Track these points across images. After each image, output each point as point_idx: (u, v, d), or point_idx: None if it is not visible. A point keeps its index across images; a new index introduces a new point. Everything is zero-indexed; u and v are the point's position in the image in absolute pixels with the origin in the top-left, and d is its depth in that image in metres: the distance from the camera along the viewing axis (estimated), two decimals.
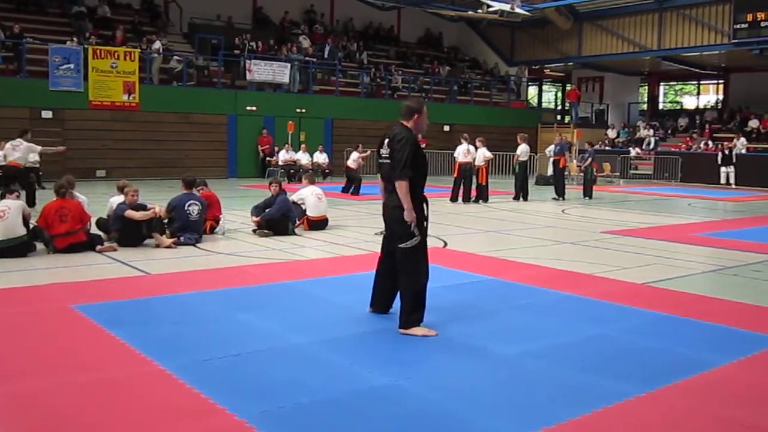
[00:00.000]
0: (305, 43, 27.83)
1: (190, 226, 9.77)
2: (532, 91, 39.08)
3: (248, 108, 24.10)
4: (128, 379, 4.34)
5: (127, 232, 9.35)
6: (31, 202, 12.75)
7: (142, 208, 9.53)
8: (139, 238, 9.43)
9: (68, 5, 24.12)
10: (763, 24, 24.64)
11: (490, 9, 28.01)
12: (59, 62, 20.58)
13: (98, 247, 9.00)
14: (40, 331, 5.34)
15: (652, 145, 28.92)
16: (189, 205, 9.80)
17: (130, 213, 9.30)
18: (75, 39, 21.68)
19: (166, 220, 9.83)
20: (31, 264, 8.17)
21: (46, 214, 8.88)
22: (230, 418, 3.77)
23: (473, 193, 16.93)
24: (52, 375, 4.39)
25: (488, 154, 17.16)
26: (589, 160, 19.17)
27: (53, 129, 20.35)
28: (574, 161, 23.49)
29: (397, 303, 5.73)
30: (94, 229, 9.57)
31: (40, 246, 8.89)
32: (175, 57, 23.72)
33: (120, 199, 9.61)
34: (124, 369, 4.53)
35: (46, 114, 20.52)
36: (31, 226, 8.90)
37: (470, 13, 29.44)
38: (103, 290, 6.77)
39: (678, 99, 39.46)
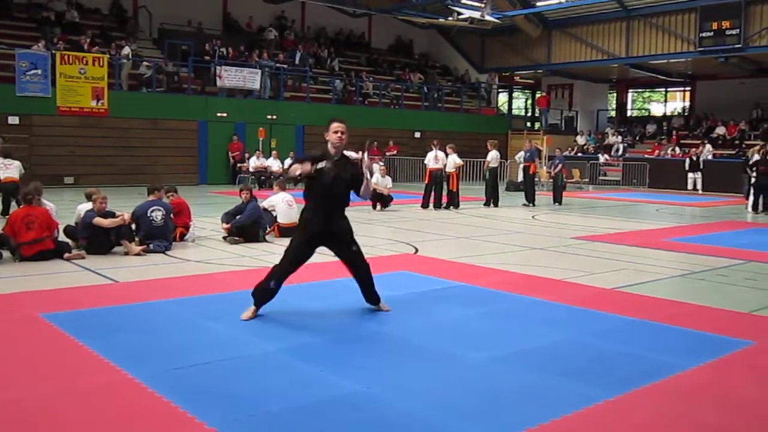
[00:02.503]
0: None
1: (155, 233, 9.67)
2: (503, 97, 39.36)
3: (219, 114, 23.99)
4: (97, 388, 4.29)
5: (96, 239, 9.25)
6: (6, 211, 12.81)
7: (111, 215, 9.43)
8: (108, 245, 9.33)
9: (35, 10, 23.84)
10: (727, 32, 25.14)
11: (461, 16, 28.21)
12: (26, 67, 20.33)
13: (66, 255, 8.89)
14: (6, 341, 5.26)
15: (620, 152, 29.27)
16: (152, 211, 9.71)
17: (98, 220, 9.20)
18: (42, 44, 21.42)
19: (134, 228, 9.75)
20: None
21: (12, 221, 8.76)
22: (200, 427, 3.75)
23: (444, 200, 17.00)
24: (20, 385, 4.32)
25: (459, 161, 17.24)
26: (559, 166, 19.33)
27: (20, 135, 20.06)
28: (544, 167, 23.68)
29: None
30: (62, 237, 9.46)
31: (6, 254, 8.76)
32: (145, 63, 23.54)
33: (88, 206, 9.51)
34: (93, 378, 4.47)
35: (13, 120, 20.25)
36: None
37: (441, 20, 29.62)
38: (71, 299, 6.68)
39: (646, 106, 39.99)
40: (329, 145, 6.12)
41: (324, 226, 6.12)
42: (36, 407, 4.00)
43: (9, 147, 15.33)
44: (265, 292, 6.07)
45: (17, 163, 14.04)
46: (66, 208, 11.95)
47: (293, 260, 6.14)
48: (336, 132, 6.03)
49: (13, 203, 12.48)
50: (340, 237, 6.25)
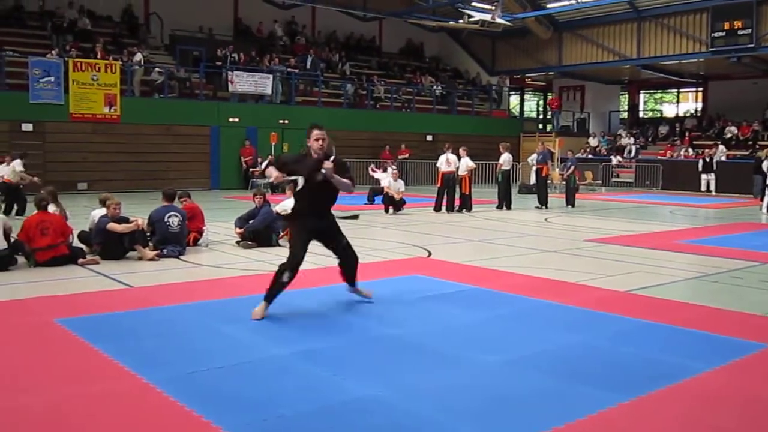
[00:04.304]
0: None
1: (170, 238, 9.72)
2: (514, 100, 39.29)
3: (230, 119, 24.06)
4: (112, 393, 4.31)
5: (110, 245, 9.30)
6: (21, 212, 13.94)
7: (125, 220, 9.49)
8: (122, 251, 9.38)
9: (48, 18, 24.01)
10: (739, 32, 24.98)
11: (471, 19, 28.18)
12: (39, 75, 20.46)
13: (80, 261, 8.94)
14: (22, 346, 5.30)
15: (633, 153, 29.14)
16: (168, 217, 9.76)
17: (112, 226, 9.25)
18: (55, 51, 21.57)
19: (149, 233, 9.79)
20: (12, 278, 8.11)
21: (27, 227, 8.82)
22: (215, 431, 3.76)
23: (457, 203, 16.98)
24: (35, 390, 4.35)
25: (471, 164, 17.22)
26: (572, 168, 19.27)
27: (34, 142, 20.22)
28: (557, 170, 23.62)
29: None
30: (76, 243, 9.52)
31: (21, 260, 8.83)
32: (157, 69, 23.64)
33: (102, 212, 9.56)
34: (107, 383, 4.50)
35: (27, 127, 20.39)
36: (12, 239, 8.84)
37: (451, 23, 29.61)
38: (85, 304, 6.73)
39: (658, 107, 39.81)
40: (311, 151, 6.43)
41: (318, 223, 6.53)
42: (50, 411, 4.02)
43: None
44: (280, 286, 6.30)
45: (15, 162, 14.90)
46: (80, 214, 12.01)
47: (300, 253, 6.40)
48: (317, 140, 6.37)
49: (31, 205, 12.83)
50: (331, 231, 6.71)
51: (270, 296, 6.27)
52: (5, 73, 20.65)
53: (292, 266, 6.28)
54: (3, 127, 19.93)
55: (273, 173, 6.43)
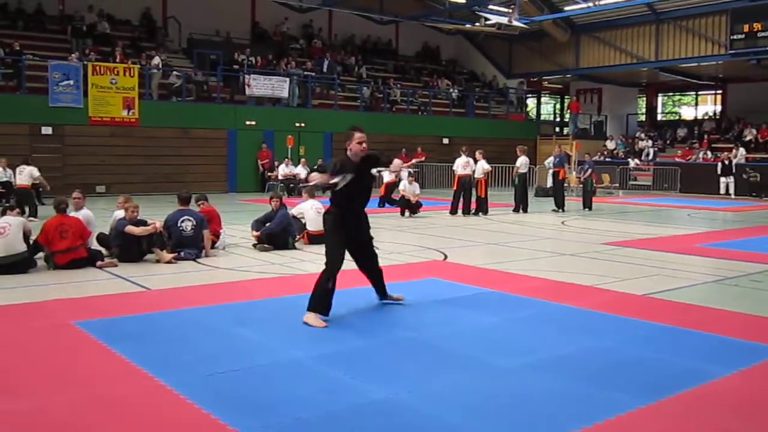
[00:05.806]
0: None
1: (184, 242, 9.77)
2: (531, 103, 39.18)
3: (247, 122, 24.17)
4: (129, 395, 4.34)
5: (128, 247, 9.36)
6: (33, 213, 14.03)
7: (143, 223, 9.54)
8: (140, 253, 9.44)
9: (68, 22, 24.23)
10: (759, 34, 24.77)
11: (488, 22, 28.15)
12: (59, 78, 20.66)
13: (99, 263, 9.00)
14: (40, 348, 5.34)
15: (650, 156, 28.99)
16: (182, 221, 9.81)
17: (130, 228, 9.31)
18: (75, 55, 21.76)
19: (166, 236, 9.85)
20: (31, 280, 8.18)
21: (46, 230, 8.88)
22: None
23: (473, 206, 16.95)
24: (53, 391, 4.38)
25: (487, 167, 17.20)
26: (589, 171, 19.20)
27: (53, 145, 20.44)
28: (574, 173, 23.52)
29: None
30: (94, 245, 9.58)
31: (40, 262, 8.90)
32: (175, 72, 23.80)
33: (123, 213, 9.63)
34: (124, 385, 4.52)
35: (46, 130, 20.59)
36: (32, 242, 8.91)
37: (468, 26, 29.58)
38: (103, 306, 6.77)
39: (676, 110, 39.57)
40: (350, 154, 6.35)
41: (357, 227, 6.48)
42: (69, 413, 4.05)
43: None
44: (326, 294, 6.18)
45: (29, 169, 15.46)
46: (98, 217, 12.07)
47: (341, 258, 6.33)
48: (360, 143, 6.30)
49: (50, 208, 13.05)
50: (365, 233, 6.62)
51: (318, 306, 6.16)
52: (25, 76, 20.84)
53: (333, 274, 6.22)
54: (23, 130, 20.14)
55: (317, 177, 6.43)
